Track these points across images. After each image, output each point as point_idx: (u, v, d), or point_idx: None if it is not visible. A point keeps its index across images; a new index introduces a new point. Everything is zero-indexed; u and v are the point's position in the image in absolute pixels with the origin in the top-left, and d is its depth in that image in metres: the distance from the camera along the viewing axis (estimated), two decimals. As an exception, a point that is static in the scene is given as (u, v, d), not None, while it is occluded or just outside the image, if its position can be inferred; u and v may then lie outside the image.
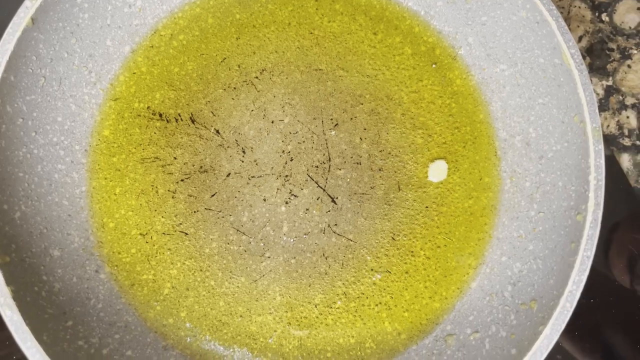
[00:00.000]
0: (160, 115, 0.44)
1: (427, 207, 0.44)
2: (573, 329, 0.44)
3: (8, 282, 0.35)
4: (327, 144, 0.44)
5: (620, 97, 0.48)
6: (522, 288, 0.40)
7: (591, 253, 0.36)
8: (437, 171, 0.44)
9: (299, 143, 0.44)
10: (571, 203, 0.38)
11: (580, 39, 0.49)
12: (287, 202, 0.43)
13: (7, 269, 0.36)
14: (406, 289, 0.43)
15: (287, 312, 0.42)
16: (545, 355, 0.35)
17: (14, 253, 0.37)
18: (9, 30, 0.37)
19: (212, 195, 0.43)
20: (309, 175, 0.44)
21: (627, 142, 0.47)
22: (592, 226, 0.36)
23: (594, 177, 0.36)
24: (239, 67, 0.45)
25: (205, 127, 0.44)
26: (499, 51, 0.43)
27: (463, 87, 0.45)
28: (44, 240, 0.40)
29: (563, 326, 0.35)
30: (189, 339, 0.42)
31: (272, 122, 0.44)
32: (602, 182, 0.36)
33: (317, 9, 0.46)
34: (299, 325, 0.42)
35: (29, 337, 0.34)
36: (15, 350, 0.44)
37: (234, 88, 0.45)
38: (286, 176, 0.44)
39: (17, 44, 0.37)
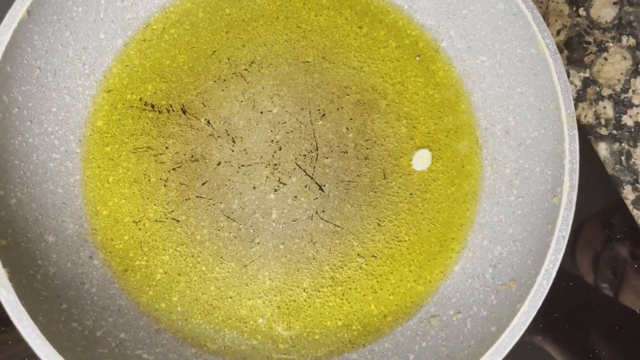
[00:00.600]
0: (152, 106, 0.45)
1: (411, 194, 0.45)
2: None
3: (4, 265, 0.36)
4: (314, 133, 0.46)
5: (597, 89, 0.49)
6: (502, 269, 0.41)
7: (566, 233, 0.37)
8: (421, 160, 0.45)
9: (287, 133, 0.46)
10: (548, 187, 0.40)
11: (558, 32, 0.50)
12: (276, 190, 0.45)
13: (3, 253, 0.37)
14: (391, 273, 0.44)
15: (276, 296, 0.44)
16: (522, 330, 0.36)
17: (10, 237, 0.38)
18: (5, 21, 0.39)
19: (203, 184, 0.45)
20: (297, 164, 0.45)
21: (604, 131, 0.49)
22: (567, 207, 0.37)
23: (568, 160, 0.38)
24: (228, 59, 0.46)
25: (196, 117, 0.45)
26: (479, 43, 0.45)
27: (445, 79, 0.47)
28: (39, 226, 0.41)
29: (539, 303, 0.37)
30: (180, 323, 0.43)
31: (261, 112, 0.46)
32: (577, 166, 0.38)
33: (304, 4, 0.48)
34: (288, 308, 0.43)
35: (24, 317, 0.35)
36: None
37: (224, 80, 0.46)
38: (275, 165, 0.45)
39: (13, 36, 0.39)
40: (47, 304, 0.38)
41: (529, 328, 0.42)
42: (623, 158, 0.48)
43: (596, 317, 0.46)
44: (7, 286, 0.36)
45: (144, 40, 0.46)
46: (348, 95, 0.46)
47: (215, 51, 0.47)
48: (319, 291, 0.44)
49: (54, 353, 0.35)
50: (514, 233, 0.42)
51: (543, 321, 0.45)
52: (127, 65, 0.46)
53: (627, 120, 0.49)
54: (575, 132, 0.39)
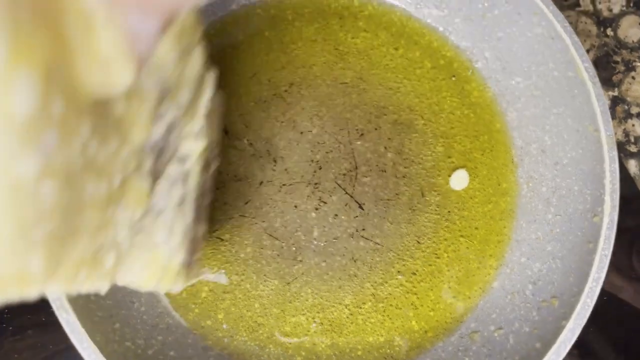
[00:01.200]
0: (196, 127, 0.46)
1: (449, 211, 0.46)
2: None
3: (62, 286, 0.37)
4: (353, 152, 0.47)
5: (626, 107, 0.51)
6: (542, 286, 0.42)
7: (609, 252, 0.38)
8: (459, 180, 0.47)
9: (327, 152, 0.47)
10: (587, 206, 0.41)
11: (587, 52, 0.52)
12: (317, 209, 0.46)
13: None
14: (431, 290, 0.45)
15: (319, 312, 0.45)
16: (569, 348, 0.37)
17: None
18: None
19: (246, 203, 0.46)
20: (337, 183, 0.46)
21: (633, 148, 0.50)
22: (609, 227, 0.39)
23: (609, 181, 0.39)
24: (269, 81, 0.48)
25: (239, 138, 0.47)
26: (514, 65, 0.46)
27: (480, 99, 0.48)
28: (90, 247, 0.42)
29: (584, 321, 0.38)
30: (226, 340, 0.44)
31: (302, 132, 0.47)
32: (617, 186, 0.39)
33: (341, 26, 0.49)
34: (330, 325, 0.44)
35: (84, 337, 0.36)
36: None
37: (265, 101, 0.47)
38: (315, 184, 0.46)
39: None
40: (102, 324, 0.39)
41: None
42: (653, 175, 0.50)
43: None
44: (67, 308, 0.37)
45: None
46: (385, 115, 0.47)
47: (255, 73, 0.48)
48: (360, 307, 0.45)
49: (114, 373, 0.36)
50: (552, 250, 0.43)
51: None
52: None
53: (656, 137, 0.50)
54: (615, 153, 0.40)
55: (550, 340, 0.38)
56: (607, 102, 0.51)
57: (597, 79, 0.40)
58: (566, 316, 0.38)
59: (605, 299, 0.47)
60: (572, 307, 0.38)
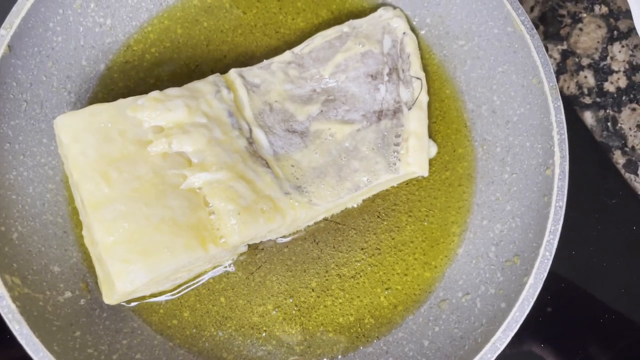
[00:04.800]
0: (142, 126, 0.46)
1: (407, 183, 0.46)
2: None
3: (14, 299, 0.36)
4: (305, 135, 0.46)
5: (576, 59, 0.50)
6: (504, 246, 0.42)
7: (563, 203, 0.38)
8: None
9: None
10: (540, 160, 0.41)
11: (532, 9, 0.51)
12: (273, 195, 0.45)
13: (11, 288, 0.37)
14: (397, 263, 0.45)
15: (286, 299, 0.44)
16: (532, 303, 0.37)
17: (16, 272, 0.38)
18: (-13, 59, 0.39)
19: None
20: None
21: (587, 100, 0.50)
22: (560, 178, 0.38)
23: (556, 132, 0.39)
24: (212, 71, 0.47)
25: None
26: (455, 28, 0.46)
27: (428, 66, 0.47)
28: (44, 258, 0.41)
29: (545, 274, 0.37)
30: (194, 337, 0.43)
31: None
32: (565, 136, 0.39)
33: (280, 9, 0.48)
34: (299, 310, 0.44)
35: (40, 347, 0.36)
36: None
37: (210, 92, 0.46)
38: (270, 170, 0.45)
39: (-4, 72, 0.39)
40: (61, 332, 0.38)
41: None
42: (609, 124, 0.49)
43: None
44: (20, 320, 0.36)
45: (126, 62, 0.47)
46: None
47: (198, 65, 0.47)
48: (327, 289, 0.44)
49: (73, 381, 0.35)
50: (512, 210, 0.42)
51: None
52: (112, 89, 0.46)
53: (609, 86, 0.50)
54: (560, 103, 0.39)
55: (514, 298, 0.38)
56: (558, 57, 0.51)
57: (534, 31, 0.40)
58: (527, 272, 0.38)
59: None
60: (533, 262, 0.38)
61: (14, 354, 0.44)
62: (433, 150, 0.46)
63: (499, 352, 0.36)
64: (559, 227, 0.38)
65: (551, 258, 0.37)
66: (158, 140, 0.38)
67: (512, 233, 0.42)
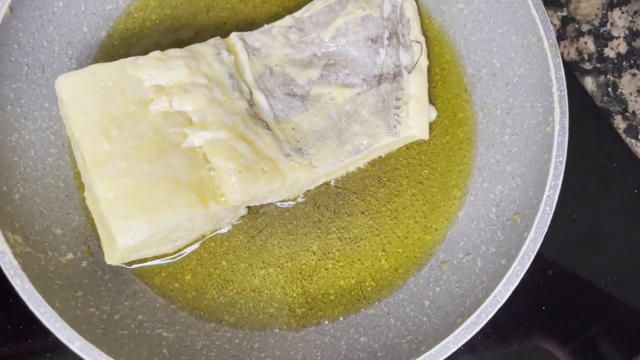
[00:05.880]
0: (143, 92, 0.46)
1: (407, 147, 0.46)
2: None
3: (16, 256, 0.37)
4: (305, 100, 0.46)
5: (576, 25, 0.50)
6: (505, 206, 0.42)
7: (563, 159, 0.38)
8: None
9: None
10: (540, 119, 0.41)
11: (531, -24, 0.51)
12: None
13: (13, 245, 0.37)
14: (397, 227, 0.45)
15: (287, 262, 0.44)
16: (532, 258, 0.37)
17: (18, 231, 0.39)
18: (-12, 19, 0.39)
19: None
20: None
21: (588, 65, 0.50)
22: (560, 133, 0.38)
23: (556, 88, 0.39)
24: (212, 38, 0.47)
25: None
26: (455, -9, 0.46)
27: (428, 32, 0.47)
28: (45, 220, 0.41)
29: (545, 229, 0.37)
30: (196, 300, 0.43)
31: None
32: (564, 92, 0.39)
33: (280, -24, 0.48)
34: (300, 273, 0.44)
35: (42, 303, 0.36)
36: None
37: (210, 59, 0.47)
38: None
39: (-2, 33, 0.39)
40: (63, 291, 0.38)
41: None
42: (610, 89, 0.49)
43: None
44: (22, 276, 0.36)
45: (127, 29, 0.47)
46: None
47: (198, 32, 0.47)
48: (328, 252, 0.44)
49: (75, 335, 0.35)
50: (512, 170, 0.42)
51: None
52: (112, 56, 0.46)
53: (609, 52, 0.50)
54: (560, 60, 0.39)
55: (514, 254, 0.38)
56: (558, 23, 0.51)
57: (533, -11, 0.40)
58: (528, 228, 0.38)
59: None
60: (533, 218, 0.38)
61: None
62: (433, 114, 0.46)
63: (499, 305, 0.36)
64: (559, 182, 0.38)
65: (551, 213, 0.37)
66: (159, 99, 0.38)
67: (513, 193, 0.42)
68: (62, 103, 0.39)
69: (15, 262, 0.36)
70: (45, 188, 0.42)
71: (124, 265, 0.43)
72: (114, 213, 0.36)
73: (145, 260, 0.43)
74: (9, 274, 0.36)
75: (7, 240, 0.37)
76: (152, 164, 0.37)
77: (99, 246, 0.43)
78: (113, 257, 0.39)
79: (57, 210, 0.42)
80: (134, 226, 0.36)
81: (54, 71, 0.44)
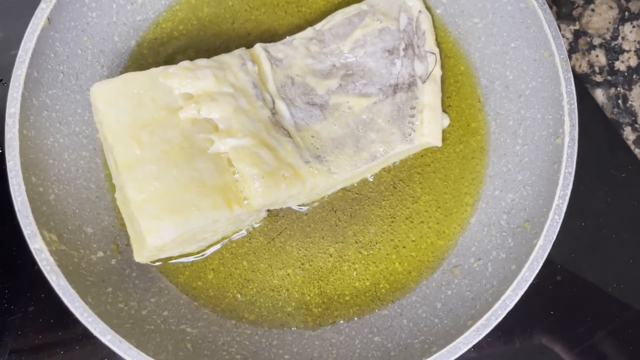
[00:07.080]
0: (170, 99, 0.48)
1: (422, 155, 0.48)
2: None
3: (52, 254, 0.39)
4: (324, 108, 0.48)
5: (588, 39, 0.52)
6: (515, 214, 0.43)
7: (572, 169, 0.40)
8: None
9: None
10: (550, 130, 0.42)
11: (545, -10, 0.53)
12: (293, 165, 0.47)
13: (49, 242, 0.40)
14: (411, 231, 0.47)
15: (305, 263, 0.46)
16: (540, 264, 0.39)
17: (53, 229, 0.41)
18: (29, 30, 0.42)
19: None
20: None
21: (599, 78, 0.51)
22: (570, 145, 0.40)
23: (566, 101, 0.40)
24: (236, 48, 0.49)
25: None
26: (470, 6, 0.47)
27: (443, 44, 0.49)
28: (77, 219, 0.44)
29: (554, 237, 0.39)
30: (217, 298, 0.45)
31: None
32: (575, 106, 0.40)
33: (302, -12, 0.50)
34: (317, 274, 0.46)
35: (76, 297, 0.38)
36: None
37: (234, 68, 0.49)
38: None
39: (37, 42, 0.42)
40: (94, 287, 0.41)
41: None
42: (620, 101, 0.51)
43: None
44: (57, 272, 0.39)
45: (155, 39, 0.49)
46: (352, 69, 0.49)
47: (223, 42, 0.49)
48: (344, 255, 0.46)
49: (106, 328, 0.38)
50: (523, 179, 0.44)
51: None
52: (141, 64, 0.49)
53: (620, 65, 0.51)
54: (570, 75, 0.41)
55: (524, 260, 0.39)
56: (570, 37, 0.52)
57: (546, 6, 0.41)
58: (537, 235, 0.40)
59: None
60: (542, 225, 0.39)
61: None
62: (445, 121, 0.47)
63: (508, 309, 0.38)
64: (568, 192, 0.39)
65: (560, 221, 0.39)
66: (188, 107, 0.41)
67: (523, 201, 0.43)
68: (96, 110, 0.41)
69: (51, 259, 0.39)
70: (78, 189, 0.45)
71: (150, 264, 0.45)
72: (144, 214, 0.39)
73: (170, 258, 0.45)
74: (46, 270, 0.39)
75: (44, 238, 0.39)
76: (180, 168, 0.39)
77: (127, 245, 0.45)
78: (142, 255, 0.42)
79: (88, 210, 0.45)
80: (163, 227, 0.38)
81: (87, 78, 0.46)
